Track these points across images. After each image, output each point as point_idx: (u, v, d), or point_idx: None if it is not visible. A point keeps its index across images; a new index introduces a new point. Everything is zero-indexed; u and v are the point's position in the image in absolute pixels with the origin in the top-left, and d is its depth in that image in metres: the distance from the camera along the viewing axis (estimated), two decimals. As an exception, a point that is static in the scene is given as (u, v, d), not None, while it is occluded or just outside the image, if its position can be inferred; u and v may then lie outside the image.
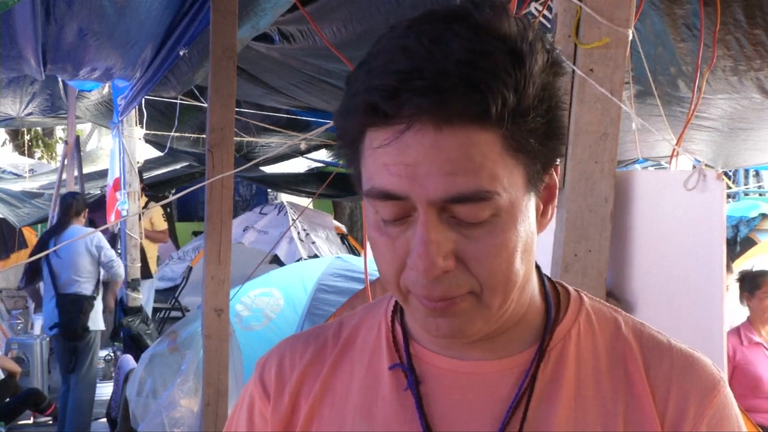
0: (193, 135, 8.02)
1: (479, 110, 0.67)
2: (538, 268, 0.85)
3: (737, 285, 4.33)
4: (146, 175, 8.67)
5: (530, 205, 0.75)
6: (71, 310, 5.40)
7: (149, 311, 7.22)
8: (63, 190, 8.34)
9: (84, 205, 5.77)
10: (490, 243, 0.71)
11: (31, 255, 5.52)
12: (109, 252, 5.65)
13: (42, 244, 5.58)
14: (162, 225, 7.60)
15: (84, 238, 5.47)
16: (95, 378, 5.78)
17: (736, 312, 4.35)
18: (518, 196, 0.73)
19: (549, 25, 1.76)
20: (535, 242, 0.77)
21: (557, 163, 0.78)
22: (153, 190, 9.70)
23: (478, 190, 0.69)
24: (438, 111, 0.67)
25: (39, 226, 10.89)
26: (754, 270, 4.51)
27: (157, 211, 7.39)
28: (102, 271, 5.71)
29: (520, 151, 0.71)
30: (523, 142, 0.71)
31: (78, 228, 5.61)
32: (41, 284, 5.77)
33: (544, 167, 0.75)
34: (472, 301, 0.74)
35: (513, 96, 0.68)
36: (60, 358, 5.60)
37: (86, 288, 5.52)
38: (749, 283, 4.27)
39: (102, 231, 5.62)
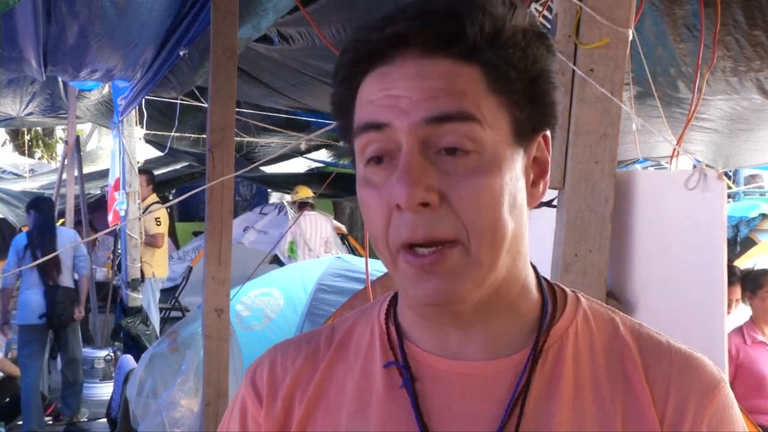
0: (193, 135, 8.02)
1: (457, 34, 0.71)
2: (534, 268, 0.84)
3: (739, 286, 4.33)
4: (146, 176, 8.64)
5: (518, 160, 0.76)
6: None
7: (154, 312, 7.19)
8: (63, 190, 8.35)
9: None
10: (474, 182, 0.72)
11: (19, 251, 5.90)
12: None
13: (31, 242, 5.89)
14: (154, 229, 7.47)
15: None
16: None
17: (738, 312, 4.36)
18: (503, 142, 0.74)
19: (549, 25, 1.76)
20: (525, 209, 0.77)
21: (548, 134, 0.79)
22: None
23: (460, 109, 0.71)
24: (418, 38, 0.71)
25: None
26: (756, 269, 4.51)
27: (149, 215, 7.30)
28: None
29: (503, 93, 0.73)
30: (505, 81, 0.73)
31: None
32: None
33: (531, 127, 0.76)
34: (460, 254, 0.73)
35: (490, 25, 0.72)
36: (34, 347, 5.95)
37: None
38: (751, 282, 4.26)
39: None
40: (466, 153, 0.72)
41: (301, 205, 8.64)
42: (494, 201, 0.73)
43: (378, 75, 0.73)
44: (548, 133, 0.79)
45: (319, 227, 8.18)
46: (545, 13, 2.15)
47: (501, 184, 0.73)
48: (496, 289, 0.77)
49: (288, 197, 11.62)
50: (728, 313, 2.65)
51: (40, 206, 6.11)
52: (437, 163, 0.72)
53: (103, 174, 9.13)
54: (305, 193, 8.68)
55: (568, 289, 0.87)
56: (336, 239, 9.30)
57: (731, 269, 4.16)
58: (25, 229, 6.86)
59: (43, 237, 5.88)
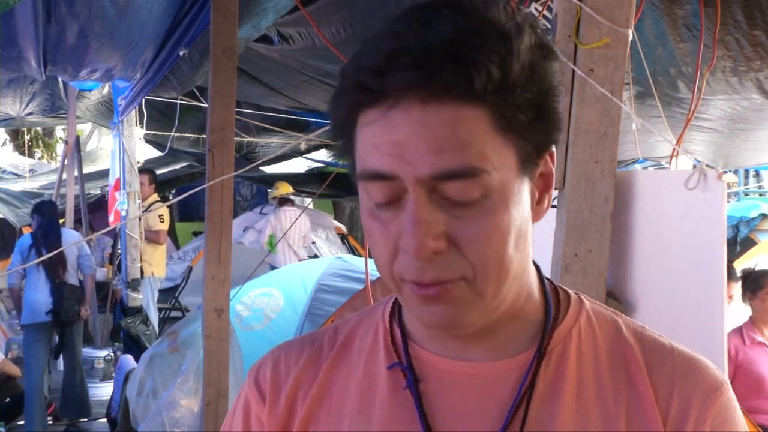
0: (193, 135, 8.02)
1: (464, 83, 0.68)
2: (537, 268, 0.85)
3: (739, 285, 4.32)
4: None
5: (524, 189, 0.75)
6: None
7: (153, 312, 7.20)
8: (63, 190, 8.35)
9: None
10: (482, 224, 0.71)
11: (24, 253, 6.00)
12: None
13: (36, 242, 5.98)
14: (157, 225, 7.53)
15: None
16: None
17: (737, 312, 4.35)
18: (510, 178, 0.72)
19: (549, 25, 1.76)
20: (530, 231, 0.76)
21: (552, 149, 0.78)
22: (153, 189, 9.71)
23: (466, 166, 0.69)
24: (423, 85, 0.68)
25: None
26: (756, 269, 4.49)
27: (152, 212, 7.36)
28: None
29: (510, 130, 0.71)
30: (511, 120, 0.71)
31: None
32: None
33: (537, 151, 0.75)
34: (464, 288, 0.73)
35: (498, 70, 0.69)
36: (40, 346, 5.98)
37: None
38: (752, 283, 4.26)
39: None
40: (472, 201, 0.71)
41: (282, 201, 8.90)
42: (501, 240, 0.72)
43: (383, 117, 0.70)
44: (553, 147, 0.78)
45: (297, 223, 8.48)
46: (545, 13, 2.15)
47: (508, 221, 0.72)
48: (502, 311, 0.78)
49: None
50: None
51: (44, 209, 6.19)
52: (444, 207, 0.71)
53: (103, 174, 9.13)
54: (285, 189, 8.93)
55: (571, 291, 0.87)
56: (330, 235, 9.49)
57: (728, 268, 4.15)
58: (27, 230, 6.91)
59: (47, 237, 5.95)
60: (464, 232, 0.71)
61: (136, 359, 5.02)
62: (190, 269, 9.28)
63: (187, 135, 7.99)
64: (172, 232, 11.57)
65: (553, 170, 0.79)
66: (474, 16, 0.70)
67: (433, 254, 0.71)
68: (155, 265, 7.39)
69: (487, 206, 0.71)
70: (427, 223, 0.70)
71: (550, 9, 1.89)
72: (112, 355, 6.77)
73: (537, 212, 0.78)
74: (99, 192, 9.81)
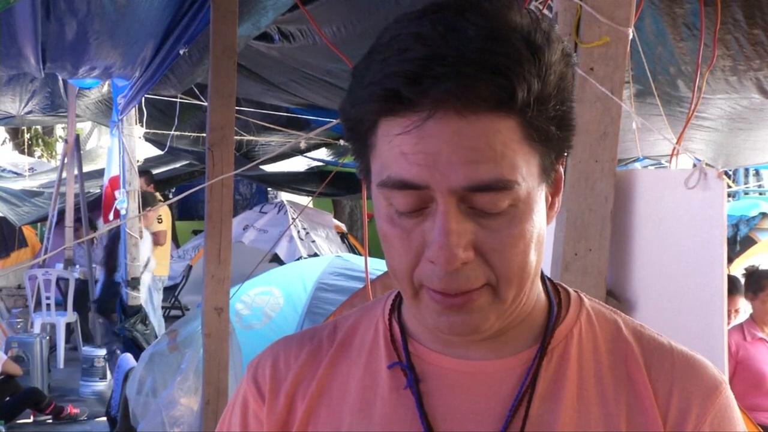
0: (193, 134, 8.01)
1: (505, 96, 0.68)
2: None
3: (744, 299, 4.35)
4: (146, 174, 8.66)
5: (542, 196, 0.76)
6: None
7: (153, 312, 7.21)
8: (63, 189, 8.34)
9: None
10: (508, 233, 0.71)
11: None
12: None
13: None
14: (156, 227, 7.50)
15: None
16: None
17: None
18: (534, 186, 0.73)
19: (549, 25, 1.76)
20: (545, 234, 0.77)
21: (566, 154, 0.78)
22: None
23: (499, 179, 0.69)
24: (463, 97, 0.67)
25: (39, 224, 10.88)
26: (760, 269, 4.48)
27: (150, 212, 7.35)
28: None
29: (538, 140, 0.72)
30: (542, 130, 0.71)
31: None
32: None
33: (556, 158, 0.76)
34: (489, 294, 0.73)
35: (537, 82, 0.69)
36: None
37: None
38: (754, 283, 4.27)
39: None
40: (501, 211, 0.71)
41: None
42: (525, 248, 0.73)
43: (415, 126, 0.69)
44: (566, 153, 0.78)
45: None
46: (545, 12, 2.15)
47: (531, 229, 0.73)
48: (516, 314, 0.78)
49: (287, 196, 11.64)
50: (728, 323, 2.63)
51: None
52: (472, 216, 0.71)
53: (103, 172, 9.13)
54: None
55: (570, 289, 0.87)
56: (330, 233, 9.64)
57: (732, 280, 4.16)
58: (27, 230, 6.99)
59: None
60: (491, 241, 0.71)
61: (136, 358, 5.02)
62: (189, 268, 9.30)
63: (186, 134, 7.98)
64: (172, 231, 11.57)
65: (563, 174, 0.80)
66: (498, 20, 0.69)
67: (461, 264, 0.71)
68: (158, 264, 7.38)
69: (515, 215, 0.72)
70: (457, 233, 0.70)
71: (550, 8, 1.88)
72: (112, 354, 6.77)
73: (549, 217, 0.79)
74: (99, 190, 9.81)
